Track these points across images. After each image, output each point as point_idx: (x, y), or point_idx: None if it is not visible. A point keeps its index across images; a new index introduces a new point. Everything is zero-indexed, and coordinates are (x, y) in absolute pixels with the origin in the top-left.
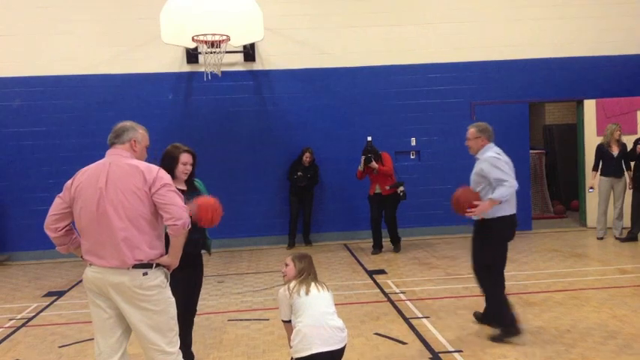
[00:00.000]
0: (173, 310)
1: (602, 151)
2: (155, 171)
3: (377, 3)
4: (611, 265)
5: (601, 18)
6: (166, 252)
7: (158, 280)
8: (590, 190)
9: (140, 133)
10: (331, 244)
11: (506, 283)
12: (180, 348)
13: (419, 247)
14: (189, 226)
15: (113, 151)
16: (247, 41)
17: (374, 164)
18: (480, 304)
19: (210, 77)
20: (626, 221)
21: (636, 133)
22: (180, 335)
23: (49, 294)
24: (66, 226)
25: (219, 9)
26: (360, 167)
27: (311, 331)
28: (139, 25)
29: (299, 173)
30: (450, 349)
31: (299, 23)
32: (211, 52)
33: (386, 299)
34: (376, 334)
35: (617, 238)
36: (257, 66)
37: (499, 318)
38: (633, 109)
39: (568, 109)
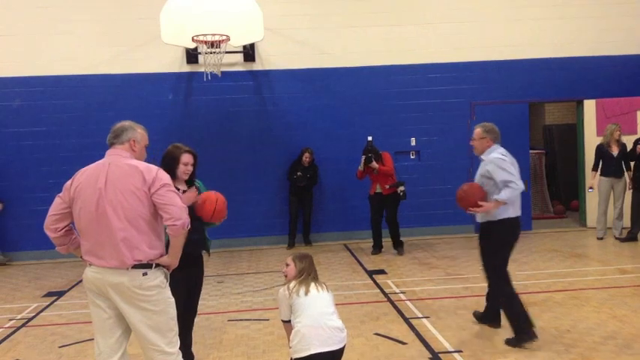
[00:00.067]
0: (173, 311)
1: (602, 151)
2: (154, 171)
3: (377, 3)
4: (611, 265)
5: (601, 18)
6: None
7: (158, 280)
8: (590, 190)
9: (139, 133)
10: (331, 244)
11: None
12: (180, 348)
13: (419, 247)
14: (189, 227)
15: (112, 151)
16: (247, 41)
17: (374, 164)
18: (481, 304)
19: (210, 77)
20: (626, 221)
21: (636, 133)
22: (180, 335)
23: (49, 294)
24: (66, 227)
25: (219, 9)
26: (361, 167)
27: (309, 331)
28: (139, 25)
29: (298, 173)
30: (450, 349)
31: (299, 23)
32: (211, 53)
33: (386, 299)
34: (376, 334)
35: (617, 238)
36: (257, 66)
37: (515, 323)
38: (633, 109)
39: (568, 109)
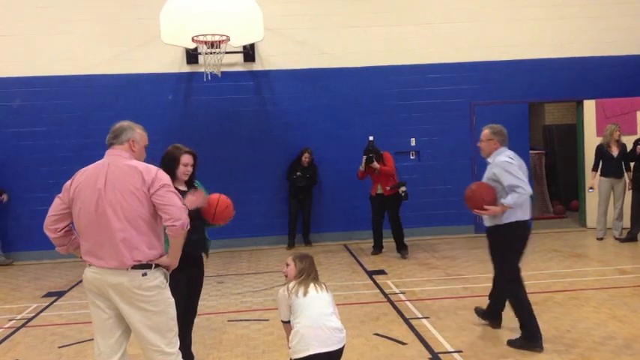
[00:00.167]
0: (172, 311)
1: (601, 152)
2: (154, 171)
3: (377, 3)
4: (611, 265)
5: (601, 18)
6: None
7: (157, 280)
8: (590, 191)
9: (138, 133)
10: (331, 245)
11: None
12: (179, 348)
13: (419, 248)
14: (189, 227)
15: (112, 151)
16: (247, 41)
17: (375, 164)
18: (480, 304)
19: (210, 77)
20: (626, 222)
21: (636, 133)
22: (179, 336)
23: (49, 294)
24: (65, 227)
25: (219, 9)
26: (362, 167)
27: (308, 332)
28: (139, 25)
29: (298, 173)
30: (450, 349)
31: (299, 23)
32: (211, 53)
33: (386, 300)
34: (376, 334)
35: (616, 239)
36: (257, 66)
37: (526, 327)
38: (633, 109)
39: (568, 109)
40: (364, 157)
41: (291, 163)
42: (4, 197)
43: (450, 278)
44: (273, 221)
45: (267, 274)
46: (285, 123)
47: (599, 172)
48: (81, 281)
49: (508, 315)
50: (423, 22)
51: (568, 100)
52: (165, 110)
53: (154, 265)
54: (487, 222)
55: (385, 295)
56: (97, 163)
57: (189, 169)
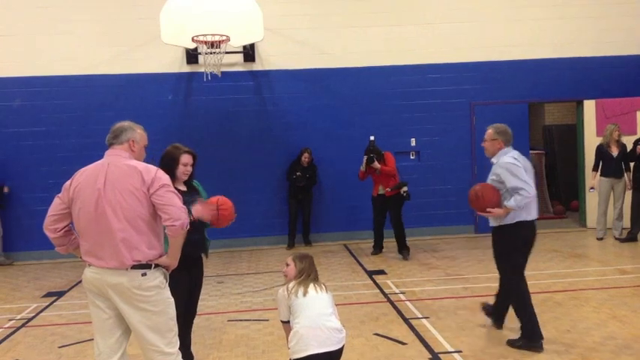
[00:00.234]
0: (172, 311)
1: (601, 152)
2: (153, 171)
3: (377, 3)
4: (611, 265)
5: (601, 18)
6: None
7: (157, 280)
8: (592, 191)
9: (138, 133)
10: (331, 245)
11: None
12: (179, 348)
13: (419, 248)
14: (188, 227)
15: (111, 151)
16: (247, 41)
17: (376, 164)
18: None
19: (210, 77)
20: (626, 222)
21: (636, 133)
22: (179, 336)
23: (49, 294)
24: (65, 227)
25: (219, 9)
26: (363, 167)
27: (307, 332)
28: (139, 25)
29: (297, 173)
30: (450, 349)
31: (299, 23)
32: (211, 53)
33: (386, 300)
34: (376, 334)
35: (616, 239)
36: (257, 66)
37: (527, 327)
38: (633, 109)
39: (568, 109)
40: (365, 157)
41: (290, 163)
42: (6, 189)
43: (449, 278)
44: (273, 221)
45: (267, 274)
46: (285, 123)
47: (599, 172)
48: (81, 281)
49: (508, 315)
50: (423, 22)
51: (568, 100)
52: (166, 110)
53: (153, 265)
54: (492, 222)
55: (385, 295)
56: (96, 163)
57: (189, 168)
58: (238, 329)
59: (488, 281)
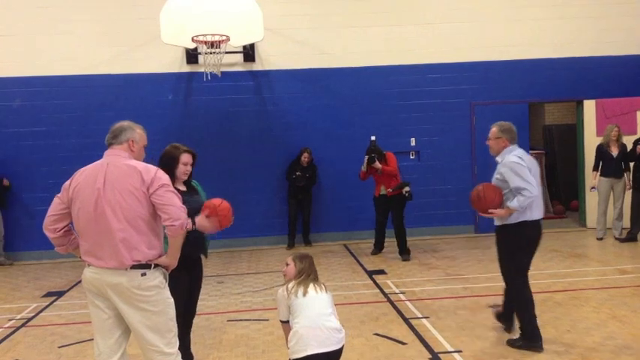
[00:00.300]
0: (172, 311)
1: (601, 152)
2: (153, 171)
3: (377, 3)
4: (611, 265)
5: (601, 18)
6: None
7: (157, 280)
8: (593, 190)
9: (138, 133)
10: (331, 245)
11: None
12: (179, 349)
13: (419, 248)
14: (188, 227)
15: (111, 151)
16: (247, 41)
17: (377, 164)
18: (480, 303)
19: (209, 77)
20: (626, 222)
21: (636, 133)
22: (179, 336)
23: (49, 294)
24: (64, 227)
25: (219, 9)
26: (364, 167)
27: (307, 332)
28: (139, 25)
29: (297, 173)
30: (450, 349)
31: (299, 23)
32: (211, 53)
33: (385, 299)
34: (376, 334)
35: (616, 239)
36: (257, 66)
37: (526, 328)
38: (633, 109)
39: (568, 109)
40: (366, 157)
41: (290, 163)
42: (6, 181)
43: (449, 278)
44: (273, 221)
45: (267, 274)
46: (285, 123)
47: (599, 172)
48: (80, 281)
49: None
50: (423, 22)
51: (568, 100)
52: (165, 110)
53: (153, 265)
54: (496, 221)
55: (385, 295)
56: (96, 163)
57: (189, 168)
58: (238, 329)
59: (488, 281)
